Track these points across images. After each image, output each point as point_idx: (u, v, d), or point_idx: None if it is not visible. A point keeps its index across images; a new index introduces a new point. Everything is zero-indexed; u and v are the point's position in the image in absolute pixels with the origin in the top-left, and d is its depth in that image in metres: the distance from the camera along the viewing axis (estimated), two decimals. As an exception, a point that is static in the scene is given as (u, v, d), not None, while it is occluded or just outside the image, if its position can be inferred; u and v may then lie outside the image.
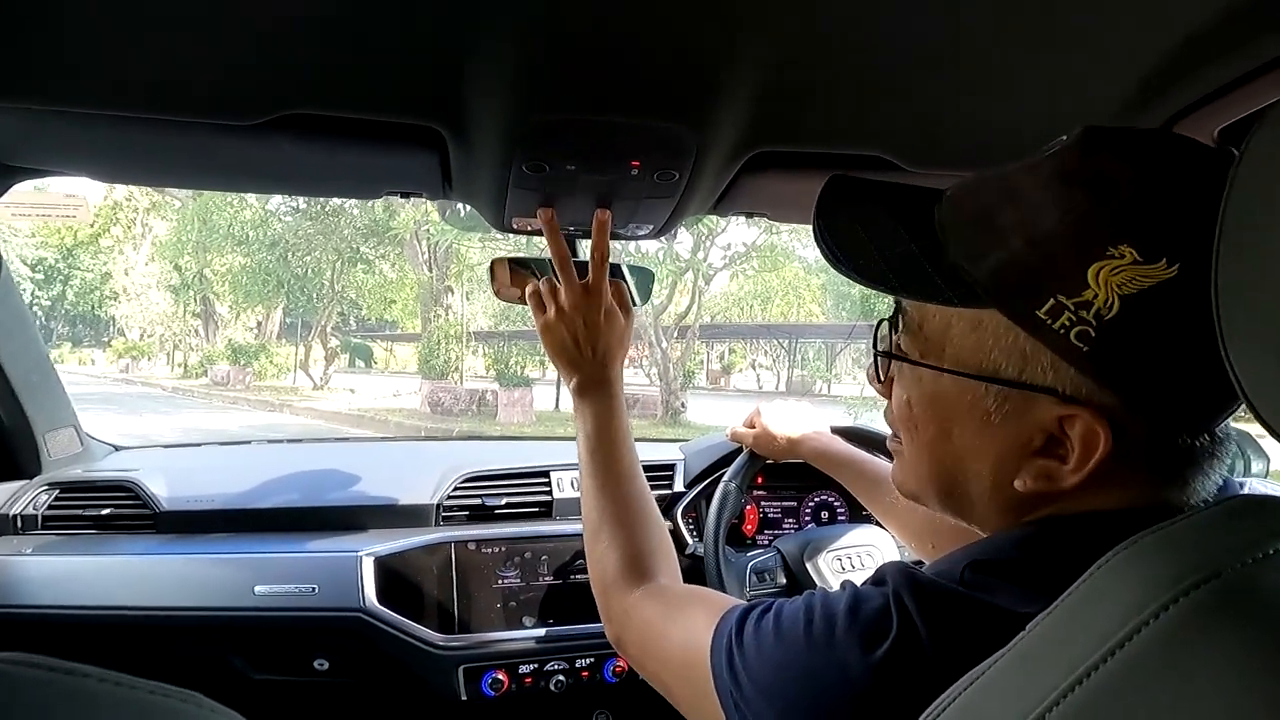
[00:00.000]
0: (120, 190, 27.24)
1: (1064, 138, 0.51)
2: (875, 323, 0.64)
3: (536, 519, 1.49)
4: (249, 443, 1.82)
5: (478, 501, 1.46)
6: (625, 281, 1.35)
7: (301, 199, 16.54)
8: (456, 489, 1.45)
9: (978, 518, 0.58)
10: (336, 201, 16.68)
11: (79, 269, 40.81)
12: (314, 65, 0.75)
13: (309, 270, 17.90)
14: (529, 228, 1.15)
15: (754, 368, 31.82)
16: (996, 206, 0.50)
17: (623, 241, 1.27)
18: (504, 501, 1.47)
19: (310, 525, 1.38)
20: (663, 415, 12.90)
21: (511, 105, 0.79)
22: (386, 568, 1.32)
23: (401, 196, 1.09)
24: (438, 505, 1.43)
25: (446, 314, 15.36)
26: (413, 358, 18.68)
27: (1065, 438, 0.49)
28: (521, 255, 1.23)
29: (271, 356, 21.29)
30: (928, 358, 0.56)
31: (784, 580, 1.34)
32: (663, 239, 12.52)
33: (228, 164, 0.94)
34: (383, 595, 1.30)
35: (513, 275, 1.30)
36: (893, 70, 0.77)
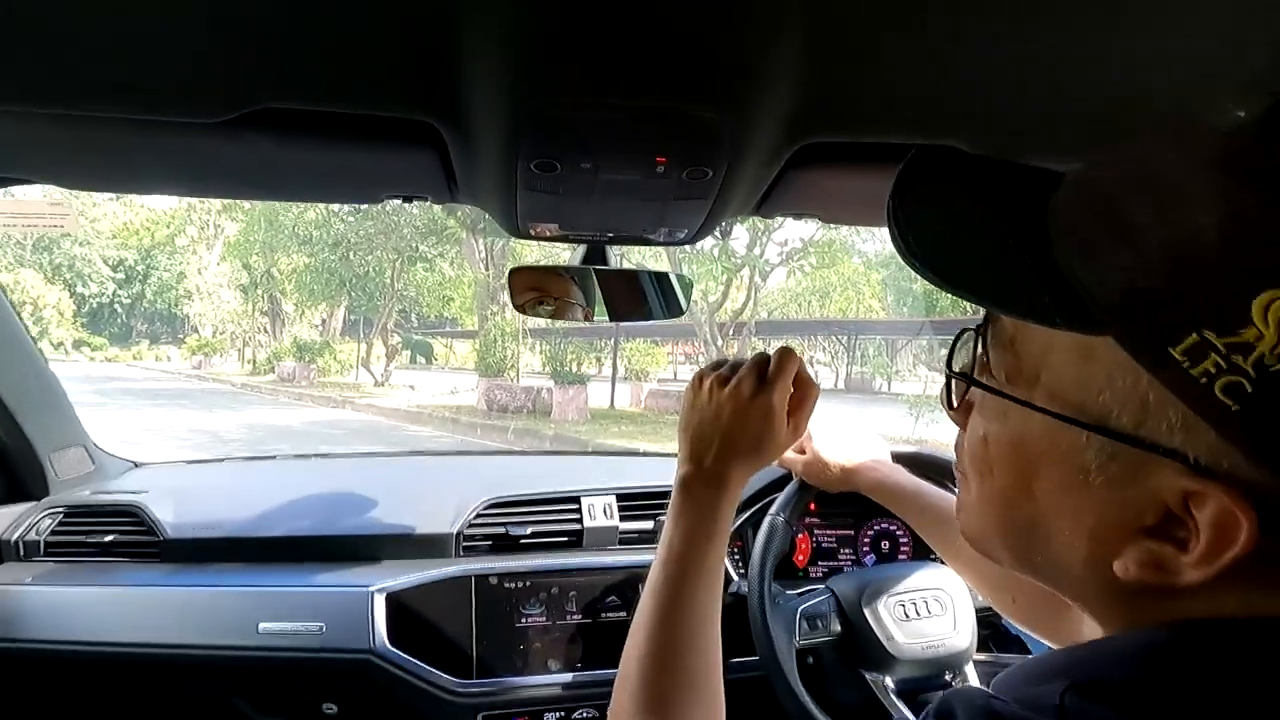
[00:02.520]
0: (193, 192, 28.35)
1: (1231, 108, 0.36)
2: (957, 333, 0.50)
3: (565, 550, 1.36)
4: (274, 457, 1.75)
5: (501, 530, 1.35)
6: (675, 290, 1.22)
7: (362, 199, 16.89)
8: (479, 516, 1.34)
9: (1070, 589, 0.45)
10: (396, 200, 17.01)
11: (156, 269, 42.64)
12: (279, 51, 0.64)
13: (370, 269, 18.31)
14: (548, 234, 1.03)
15: (812, 364, 31.39)
16: (1127, 195, 0.37)
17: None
18: (530, 530, 1.35)
19: (321, 555, 1.28)
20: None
21: (511, 92, 0.67)
22: (399, 604, 1.21)
23: (404, 201, 0.98)
24: (458, 534, 1.32)
25: (503, 311, 15.47)
26: (472, 354, 18.92)
27: (1189, 518, 0.36)
28: (546, 264, 1.11)
29: (335, 353, 21.85)
30: (1016, 383, 0.43)
31: (838, 627, 1.19)
32: (716, 234, 12.43)
33: (200, 166, 0.83)
34: (394, 635, 1.19)
35: (534, 286, 1.18)
36: (975, 35, 0.62)
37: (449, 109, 0.72)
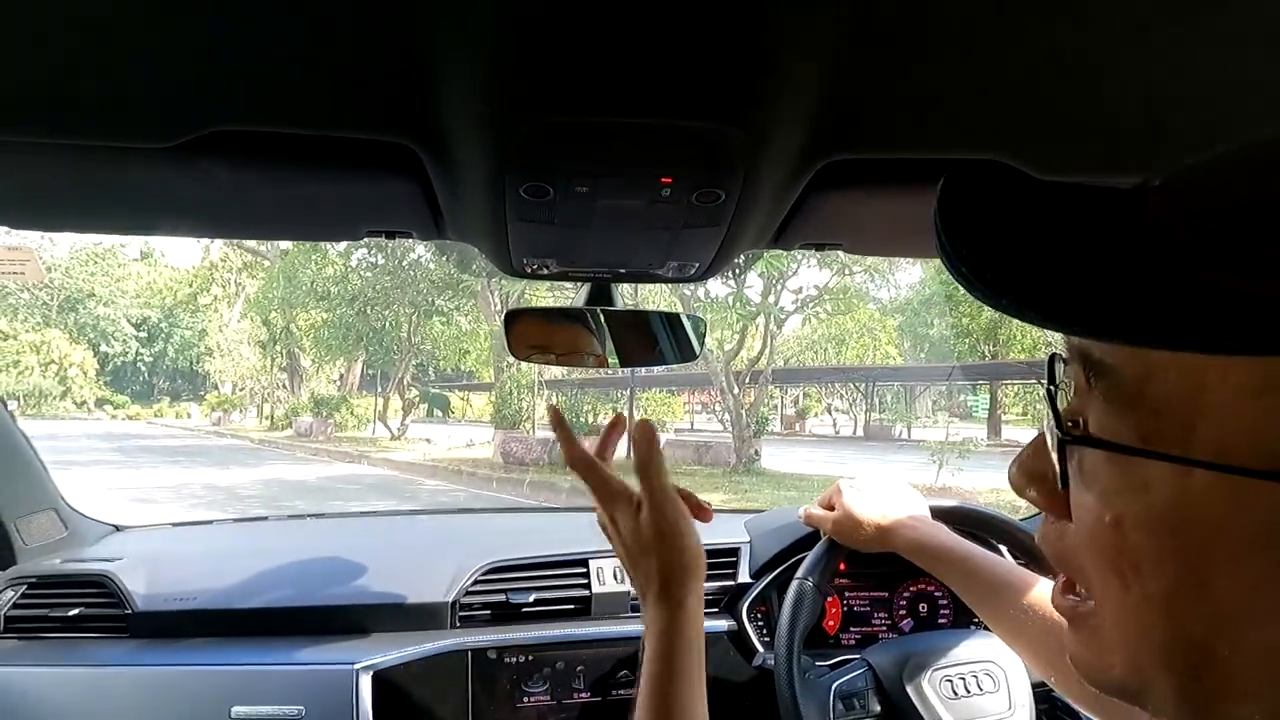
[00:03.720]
0: (215, 250, 28.95)
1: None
2: (1047, 390, 0.39)
3: (572, 619, 1.24)
4: (265, 519, 1.65)
5: (501, 598, 1.23)
6: (687, 333, 1.12)
7: (379, 254, 17.11)
8: (476, 582, 1.22)
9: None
10: (413, 255, 17.25)
11: (179, 327, 43.32)
12: (229, 67, 0.56)
13: (387, 323, 18.46)
14: (546, 271, 0.94)
15: (830, 412, 31.13)
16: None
17: (672, 285, 1.06)
18: (533, 598, 1.23)
19: (304, 627, 1.17)
20: (736, 463, 12.53)
21: (493, 109, 0.58)
22: (387, 683, 1.09)
23: (387, 237, 0.89)
24: (453, 603, 1.20)
25: (518, 363, 15.44)
26: (488, 407, 18.91)
27: None
28: (546, 305, 1.02)
29: (352, 408, 21.92)
30: (1156, 443, 0.33)
31: (877, 707, 1.06)
32: (728, 279, 12.37)
33: (149, 199, 0.75)
34: (381, 718, 1.07)
35: (534, 332, 1.09)
36: (1011, 41, 0.54)
37: (426, 130, 0.64)
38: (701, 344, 1.12)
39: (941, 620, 1.36)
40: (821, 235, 0.90)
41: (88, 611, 1.17)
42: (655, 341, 1.11)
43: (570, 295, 1.07)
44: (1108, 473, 0.35)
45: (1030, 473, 0.40)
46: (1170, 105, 0.62)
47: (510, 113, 0.58)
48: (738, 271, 11.84)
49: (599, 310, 1.05)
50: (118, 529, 1.48)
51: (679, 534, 0.77)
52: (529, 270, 0.93)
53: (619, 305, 1.06)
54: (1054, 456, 0.38)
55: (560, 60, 0.52)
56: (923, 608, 1.36)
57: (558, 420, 0.86)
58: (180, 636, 1.15)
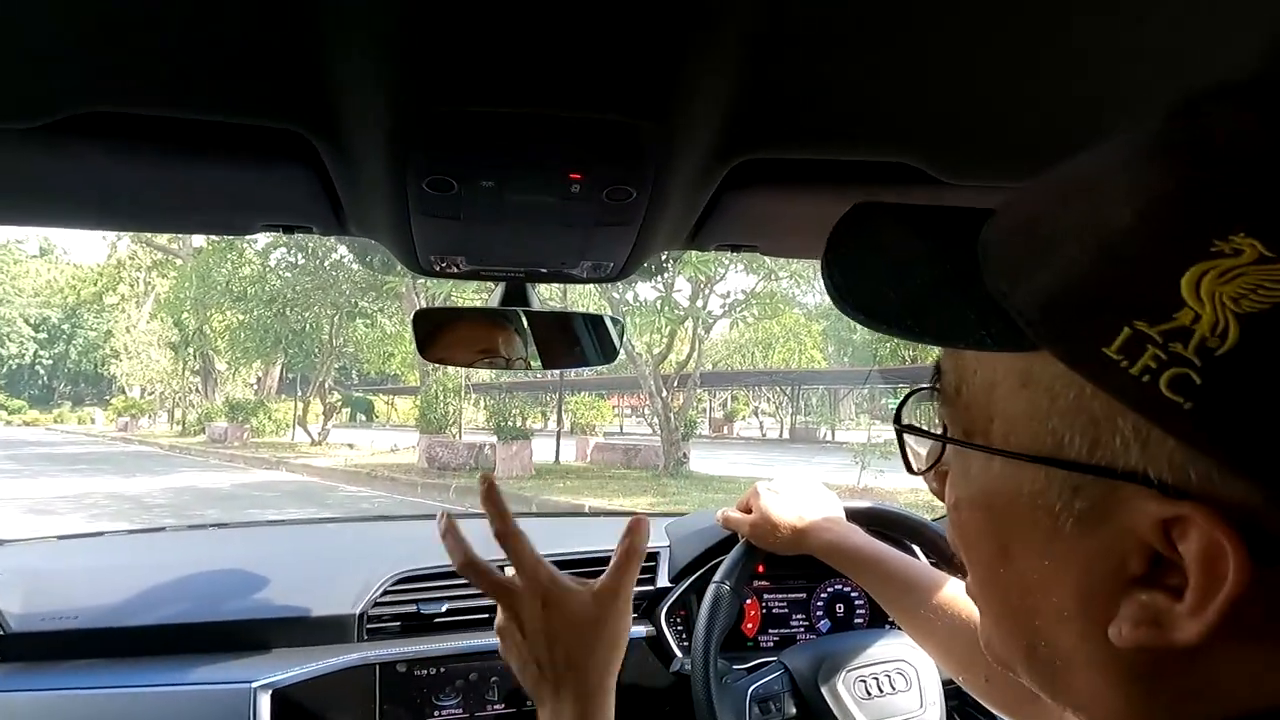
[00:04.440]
0: (124, 248, 27.58)
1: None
2: (906, 393, 0.46)
3: (486, 628, 1.20)
4: (162, 529, 1.55)
5: (412, 609, 1.18)
6: (608, 333, 1.11)
7: (299, 254, 16.58)
8: (386, 593, 1.18)
9: (1078, 694, 0.38)
10: (335, 255, 16.77)
11: (82, 327, 41.10)
12: (99, 42, 0.51)
13: (307, 325, 17.92)
14: (455, 269, 0.91)
15: (757, 415, 31.61)
16: (1052, 207, 0.36)
17: (599, 287, 1.04)
18: (445, 608, 1.19)
19: (199, 645, 1.10)
20: (665, 466, 12.60)
21: (389, 96, 0.55)
22: (288, 702, 1.04)
23: (284, 231, 0.85)
24: (360, 615, 1.15)
25: (444, 367, 15.17)
26: (414, 411, 18.51)
27: (1175, 555, 0.31)
28: (454, 304, 0.98)
29: (270, 413, 21.19)
30: (972, 435, 0.39)
31: (793, 710, 1.06)
32: (656, 282, 12.41)
33: (13, 183, 0.69)
34: (282, 740, 1.02)
35: (447, 332, 1.05)
36: (930, 42, 0.54)
37: (319, 117, 0.60)
38: (620, 344, 1.10)
39: (858, 620, 1.38)
40: (737, 236, 0.90)
41: None
42: (575, 342, 1.09)
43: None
44: (952, 463, 0.42)
45: (910, 470, 0.47)
46: (1076, 112, 0.63)
47: (407, 100, 0.55)
48: (665, 275, 11.91)
49: (517, 311, 1.02)
50: (-6, 544, 1.37)
51: (599, 620, 0.73)
52: (438, 268, 0.90)
53: (537, 306, 1.04)
54: (913, 454, 0.45)
55: (459, 45, 0.50)
56: (840, 608, 1.38)
57: (491, 493, 0.75)
58: (61, 658, 1.07)
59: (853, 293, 0.39)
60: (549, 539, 1.33)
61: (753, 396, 30.98)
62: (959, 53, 0.55)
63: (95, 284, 31.35)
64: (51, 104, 0.57)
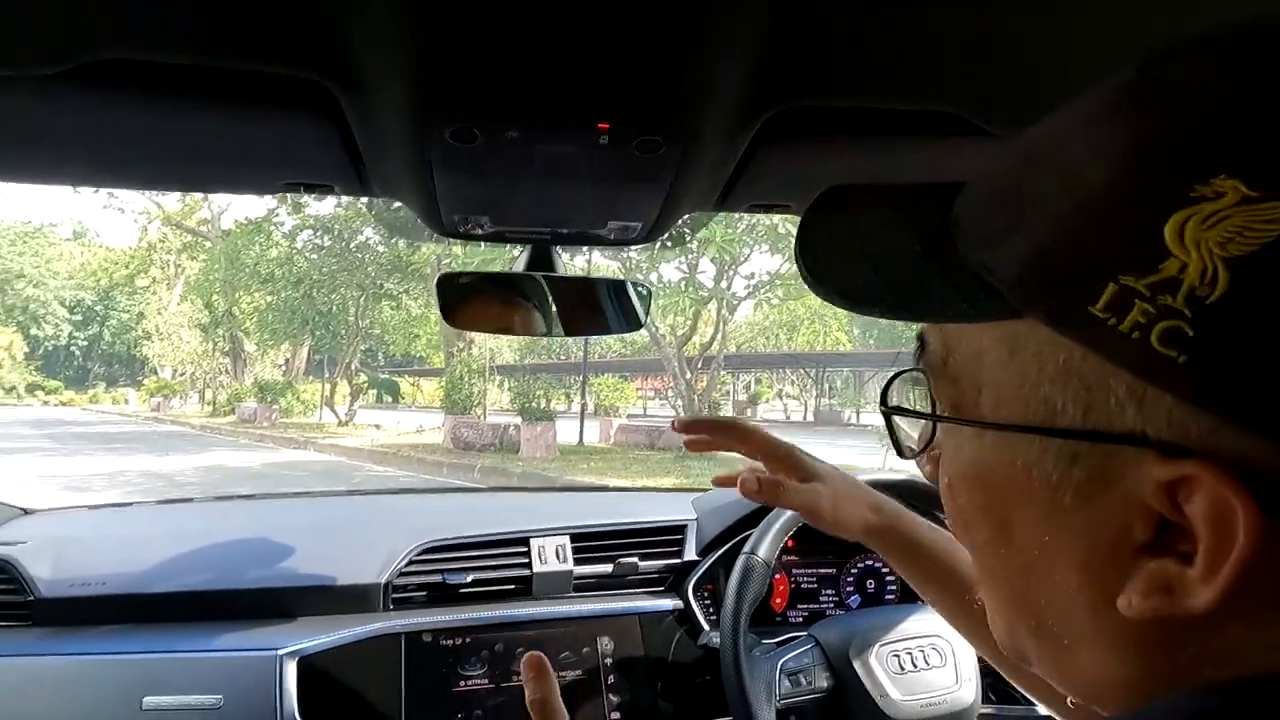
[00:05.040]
0: (154, 230, 27.95)
1: None
2: (890, 376, 0.45)
3: (512, 599, 1.20)
4: (190, 500, 1.56)
5: (437, 579, 1.17)
6: (632, 301, 1.08)
7: (326, 236, 16.69)
8: (411, 563, 1.17)
9: (1085, 672, 0.36)
10: (361, 237, 16.85)
11: (115, 310, 41.78)
12: None
13: (334, 307, 18.05)
14: (479, 231, 0.89)
15: (781, 397, 31.45)
16: (1022, 170, 0.35)
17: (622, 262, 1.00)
18: (470, 578, 1.18)
19: (224, 612, 1.10)
20: (681, 449, 12.58)
21: (412, 33, 0.53)
22: (314, 670, 1.04)
23: (305, 191, 0.83)
24: (386, 585, 1.14)
25: (469, 348, 15.26)
26: (439, 392, 18.65)
27: (1182, 518, 0.30)
28: (485, 269, 0.97)
29: (298, 393, 21.43)
30: (962, 410, 0.38)
31: (824, 682, 1.04)
32: (681, 263, 12.31)
33: (23, 135, 0.67)
34: (308, 708, 1.01)
35: (470, 296, 1.03)
36: None
37: (340, 63, 0.58)
38: (647, 313, 1.08)
39: (889, 597, 1.35)
40: (769, 195, 0.86)
41: None
42: (601, 309, 1.07)
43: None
44: (943, 443, 0.40)
45: (900, 453, 0.45)
46: (1122, 54, 0.60)
47: (430, 43, 0.53)
48: (689, 255, 11.84)
49: (540, 276, 1.00)
50: (26, 512, 1.39)
51: None
52: (461, 229, 0.87)
53: (562, 272, 1.01)
54: (902, 434, 0.44)
55: None
56: (870, 584, 1.35)
57: (539, 668, 0.67)
58: (88, 624, 1.08)
59: (830, 276, 0.39)
60: (562, 513, 1.32)
61: (777, 379, 30.85)
62: None
63: (127, 266, 31.90)
64: (65, 48, 0.55)
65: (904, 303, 0.37)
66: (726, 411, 22.89)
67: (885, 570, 1.35)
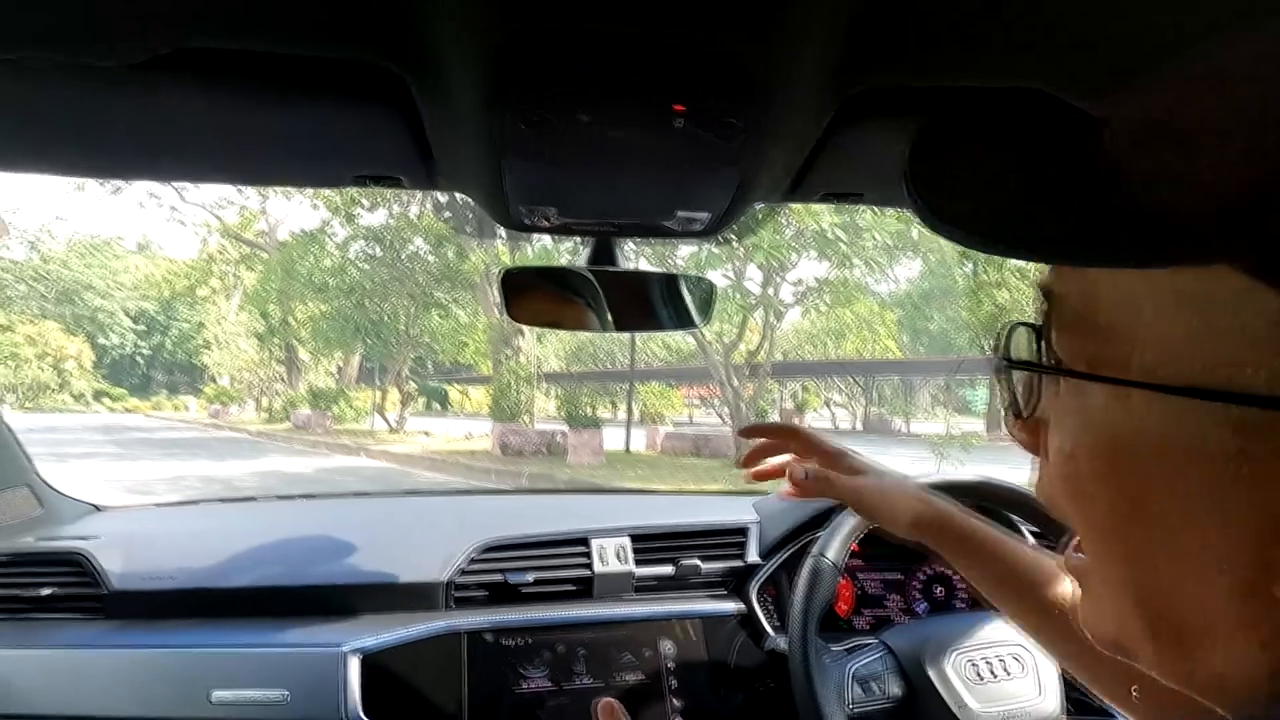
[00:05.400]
0: (214, 243, 28.83)
1: None
2: (1005, 326, 0.40)
3: (573, 600, 1.18)
4: (253, 499, 1.58)
5: (499, 578, 1.17)
6: (697, 296, 1.06)
7: (377, 245, 17.02)
8: (473, 562, 1.16)
9: (1213, 666, 0.32)
10: (411, 247, 17.16)
11: (177, 320, 43.21)
12: None
13: (385, 316, 18.37)
14: (545, 223, 0.88)
15: (829, 406, 31.06)
16: (1208, 103, 0.30)
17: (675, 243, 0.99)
18: (532, 578, 1.17)
19: (289, 609, 1.10)
20: (736, 456, 12.48)
21: (486, 17, 0.52)
22: (377, 667, 1.03)
23: (373, 184, 0.83)
24: (448, 583, 1.14)
25: (516, 356, 15.38)
26: (487, 399, 18.85)
27: None
28: (542, 264, 0.95)
29: (350, 401, 21.84)
30: (1103, 368, 0.33)
31: (898, 690, 1.00)
32: (728, 269, 12.23)
33: (104, 130, 0.68)
34: (371, 704, 1.01)
35: (530, 291, 1.02)
36: None
37: (412, 48, 0.57)
38: (711, 308, 1.06)
39: (959, 605, 1.30)
40: (842, 184, 0.84)
41: (61, 591, 1.11)
42: (665, 303, 1.05)
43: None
44: (1064, 405, 0.36)
45: (1013, 412, 0.40)
46: (1240, 17, 0.56)
47: (503, 24, 0.52)
48: (736, 260, 11.77)
49: (605, 270, 0.99)
50: (98, 509, 1.42)
51: None
52: (527, 221, 0.86)
53: (624, 266, 1.00)
54: (1023, 393, 0.39)
55: None
56: (939, 590, 1.31)
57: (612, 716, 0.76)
58: (158, 617, 1.09)
59: (960, 216, 0.34)
60: (621, 514, 1.30)
61: (824, 387, 30.49)
62: None
63: (188, 278, 32.91)
64: (146, 39, 0.55)
65: (1046, 242, 0.33)
66: (774, 420, 22.70)
67: (955, 576, 1.30)
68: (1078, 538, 0.39)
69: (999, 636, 1.04)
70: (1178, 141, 0.30)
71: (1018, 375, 0.39)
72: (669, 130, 0.64)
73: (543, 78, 0.57)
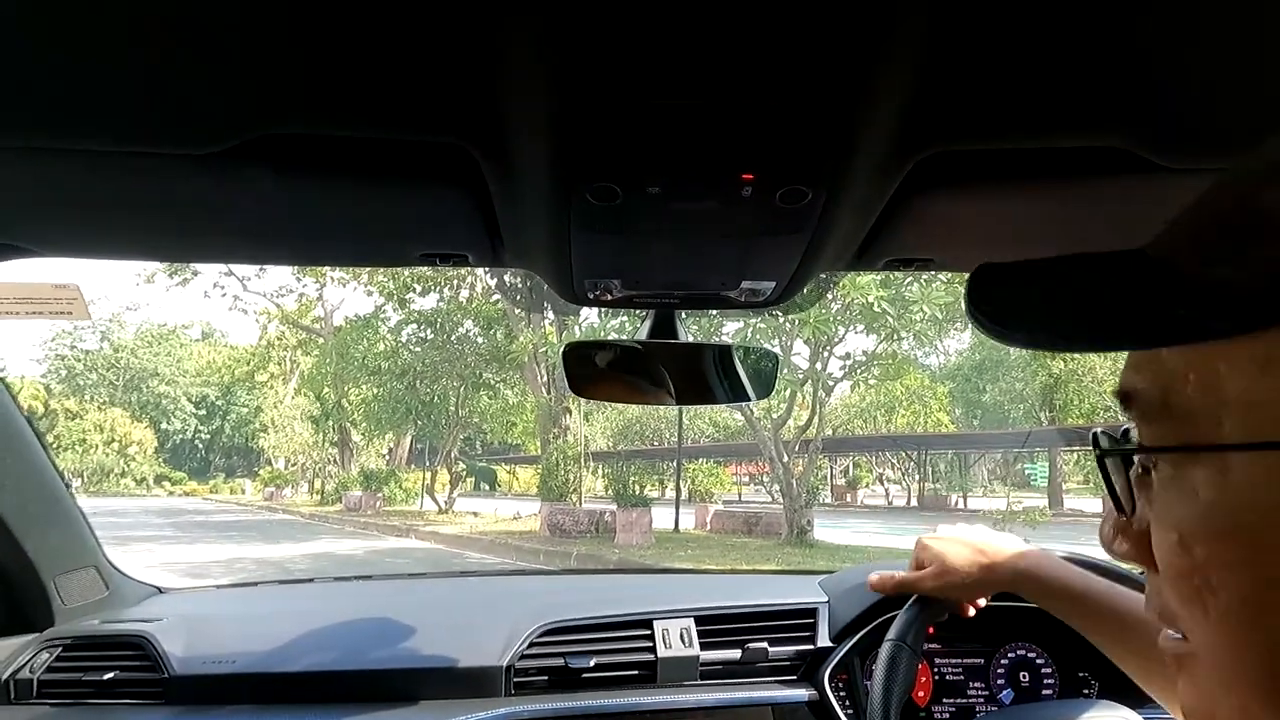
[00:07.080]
0: (273, 329, 29.90)
1: None
2: (1091, 435, 0.41)
3: (636, 685, 1.14)
4: (311, 581, 1.58)
5: (560, 662, 1.13)
6: (763, 364, 1.05)
7: (429, 329, 17.45)
8: (532, 645, 1.13)
9: None
10: (461, 330, 17.57)
11: (236, 404, 44.55)
12: (287, 57, 0.52)
13: (436, 397, 18.67)
14: (609, 296, 0.88)
15: (881, 481, 30.33)
16: (1264, 186, 0.32)
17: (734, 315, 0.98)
18: (593, 662, 1.13)
19: (349, 693, 1.08)
20: (788, 535, 12.17)
21: (556, 89, 0.53)
22: (438, 757, 1.00)
23: (440, 262, 0.84)
24: (508, 668, 1.11)
25: (564, 435, 15.42)
26: (535, 479, 18.85)
27: None
28: (600, 338, 0.95)
29: (400, 482, 22.03)
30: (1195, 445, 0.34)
31: (991, 790, 0.93)
32: (776, 343, 12.23)
33: (188, 214, 0.71)
34: (432, 797, 0.97)
35: (592, 363, 1.02)
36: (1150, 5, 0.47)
37: (482, 125, 0.58)
38: (774, 380, 1.04)
39: (1046, 691, 1.22)
40: (910, 249, 0.82)
41: (123, 675, 1.10)
42: (727, 376, 1.04)
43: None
44: (1163, 502, 0.35)
45: (1115, 522, 0.40)
46: None
47: (572, 101, 0.53)
48: (783, 335, 11.73)
49: (663, 344, 0.98)
50: (160, 591, 1.43)
51: None
52: (591, 295, 0.87)
53: (685, 338, 0.99)
54: (1120, 486, 0.39)
55: (630, 37, 0.47)
56: (1024, 676, 1.22)
57: None
58: (218, 702, 1.07)
59: (1021, 322, 0.35)
60: (683, 595, 1.26)
61: (876, 462, 29.82)
62: (1181, 11, 0.47)
63: (248, 364, 34.10)
64: (235, 127, 0.57)
65: (1123, 331, 0.34)
66: (825, 497, 22.19)
67: (1040, 660, 1.22)
68: None
69: (1096, 728, 0.96)
70: (1231, 228, 0.32)
71: (1116, 478, 0.39)
72: (737, 199, 0.64)
73: (613, 153, 0.58)
